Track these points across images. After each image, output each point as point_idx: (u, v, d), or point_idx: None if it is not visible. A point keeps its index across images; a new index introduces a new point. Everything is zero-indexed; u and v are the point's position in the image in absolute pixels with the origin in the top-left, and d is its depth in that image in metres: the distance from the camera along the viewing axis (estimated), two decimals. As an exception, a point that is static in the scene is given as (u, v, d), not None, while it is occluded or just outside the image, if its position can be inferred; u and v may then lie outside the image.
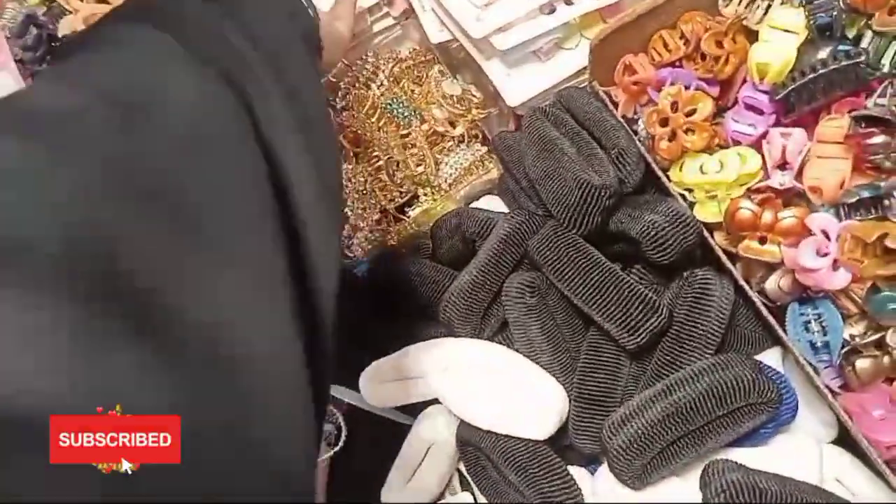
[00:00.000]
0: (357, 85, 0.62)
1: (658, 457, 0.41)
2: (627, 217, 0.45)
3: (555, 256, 0.46)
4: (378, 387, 0.53)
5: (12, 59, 0.66)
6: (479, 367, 0.47)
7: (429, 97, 0.59)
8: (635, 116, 0.54)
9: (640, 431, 0.40)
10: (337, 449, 0.54)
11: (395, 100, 0.59)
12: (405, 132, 0.59)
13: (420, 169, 0.57)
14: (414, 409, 0.54)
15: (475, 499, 0.52)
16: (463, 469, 0.53)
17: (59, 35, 0.68)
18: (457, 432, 0.49)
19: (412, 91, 0.60)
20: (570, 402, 0.45)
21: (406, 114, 0.59)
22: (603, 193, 0.44)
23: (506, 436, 0.45)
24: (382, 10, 0.68)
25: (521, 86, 0.55)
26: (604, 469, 0.43)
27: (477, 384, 0.46)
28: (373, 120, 0.59)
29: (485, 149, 0.59)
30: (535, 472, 0.44)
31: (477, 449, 0.48)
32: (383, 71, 0.63)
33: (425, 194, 0.59)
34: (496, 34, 0.53)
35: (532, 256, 0.48)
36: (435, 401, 0.51)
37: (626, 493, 0.42)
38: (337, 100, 0.63)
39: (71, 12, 0.72)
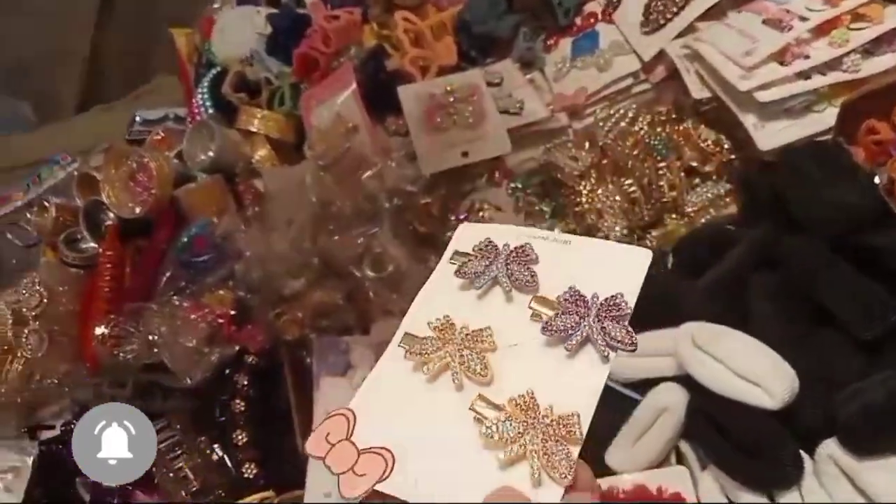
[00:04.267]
0: (622, 123, 0.74)
1: (887, 430, 0.47)
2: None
3: (803, 255, 0.54)
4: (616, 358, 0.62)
5: (355, 83, 0.86)
6: (728, 348, 0.55)
7: (687, 140, 0.70)
8: (872, 172, 0.62)
9: (874, 400, 0.47)
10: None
11: (656, 137, 0.71)
12: (661, 165, 0.70)
13: (673, 194, 0.68)
14: (640, 388, 0.63)
15: (691, 474, 0.59)
16: (683, 447, 0.61)
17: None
18: (689, 402, 0.57)
19: (671, 133, 0.72)
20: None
21: (664, 150, 0.70)
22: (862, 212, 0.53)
23: (739, 402, 0.53)
24: (641, 77, 0.82)
25: (770, 135, 0.65)
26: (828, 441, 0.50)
27: (723, 360, 0.54)
28: (635, 152, 0.71)
29: (728, 186, 0.69)
30: (766, 440, 0.51)
31: (708, 417, 0.55)
32: (643, 119, 0.75)
33: (671, 218, 0.70)
34: (759, 90, 0.64)
35: (781, 256, 0.57)
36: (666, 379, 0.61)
37: (847, 461, 0.49)
38: (602, 135, 0.76)
39: (392, 55, 0.91)
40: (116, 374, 0.71)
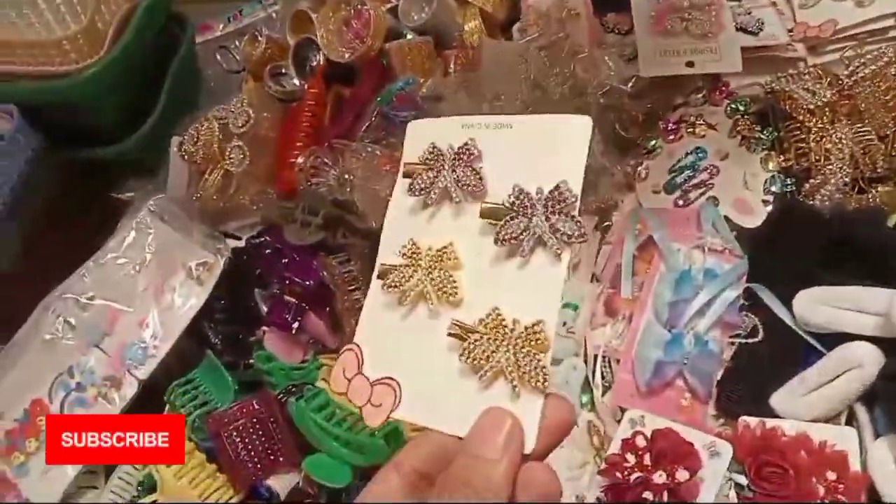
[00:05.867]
0: (874, 66, 0.68)
1: None
2: None
3: None
4: (814, 306, 0.60)
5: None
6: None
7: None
8: None
9: None
10: (750, 340, 0.62)
11: (916, 85, 0.65)
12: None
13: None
14: (825, 340, 0.60)
15: (859, 436, 0.57)
16: (858, 410, 0.58)
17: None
18: (886, 365, 0.55)
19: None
20: None
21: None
22: None
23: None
24: (904, 17, 0.74)
25: None
26: None
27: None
28: (886, 98, 0.66)
29: None
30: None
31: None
32: (896, 65, 0.68)
33: (906, 179, 0.65)
34: None
35: None
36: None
37: None
38: (845, 73, 0.70)
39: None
40: (308, 203, 0.75)
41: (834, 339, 0.59)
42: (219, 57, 1.06)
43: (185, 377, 0.71)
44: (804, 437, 0.56)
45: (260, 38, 0.97)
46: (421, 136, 0.39)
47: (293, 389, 0.64)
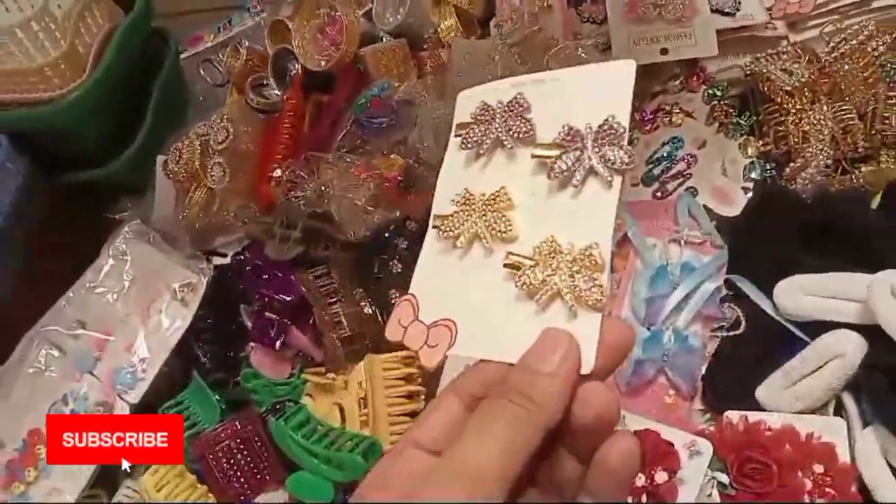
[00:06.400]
0: (855, 41, 0.66)
1: None
2: None
3: None
4: (795, 294, 0.59)
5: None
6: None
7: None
8: None
9: None
10: (730, 333, 0.61)
11: (894, 59, 0.63)
12: (893, 94, 0.62)
13: (900, 128, 0.61)
14: (809, 329, 0.59)
15: (848, 426, 0.56)
16: (846, 399, 0.57)
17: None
18: (868, 353, 0.54)
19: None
20: None
21: (899, 76, 0.62)
22: None
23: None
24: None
25: None
26: None
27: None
28: (864, 74, 0.64)
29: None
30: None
31: (889, 373, 0.51)
32: (880, 38, 0.66)
33: (888, 156, 0.63)
34: None
35: None
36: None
37: None
38: (825, 50, 0.68)
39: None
40: (287, 216, 0.75)
41: (818, 328, 0.58)
42: (202, 71, 1.06)
43: (175, 399, 0.72)
44: (790, 429, 0.56)
45: (241, 50, 0.98)
46: (471, 101, 0.40)
47: (277, 407, 0.65)
